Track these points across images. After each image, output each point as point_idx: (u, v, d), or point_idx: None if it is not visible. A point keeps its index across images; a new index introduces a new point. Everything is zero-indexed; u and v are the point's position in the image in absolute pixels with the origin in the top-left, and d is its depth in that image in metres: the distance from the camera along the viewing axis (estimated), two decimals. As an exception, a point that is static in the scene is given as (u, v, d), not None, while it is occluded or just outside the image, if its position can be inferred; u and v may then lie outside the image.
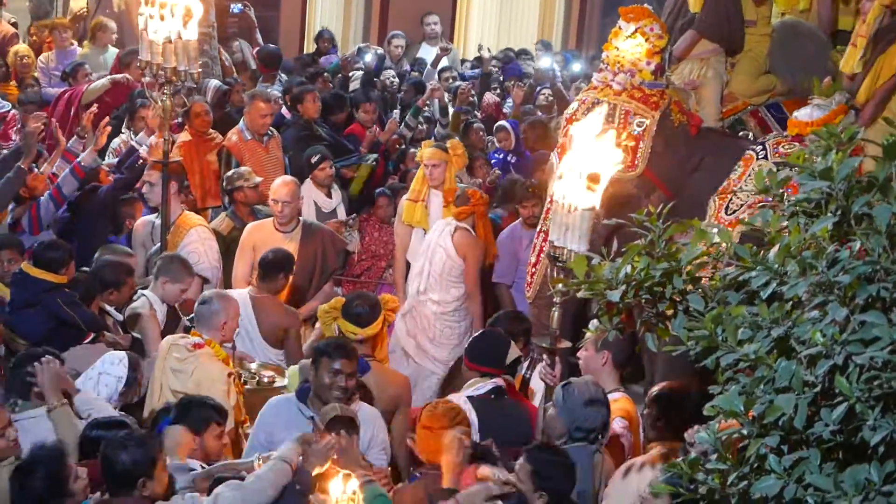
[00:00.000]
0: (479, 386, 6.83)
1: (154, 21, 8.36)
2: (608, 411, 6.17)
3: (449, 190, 9.48)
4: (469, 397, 6.74)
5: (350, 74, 14.44)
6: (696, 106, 8.56)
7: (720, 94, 8.73)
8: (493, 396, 6.77)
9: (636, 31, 8.02)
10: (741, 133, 8.84)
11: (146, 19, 8.41)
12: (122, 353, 6.75)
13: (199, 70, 8.86)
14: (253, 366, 7.92)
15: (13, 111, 11.81)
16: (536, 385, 7.19)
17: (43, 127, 9.79)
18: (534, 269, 8.37)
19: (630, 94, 7.98)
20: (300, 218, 9.28)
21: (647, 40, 8.00)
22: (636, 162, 7.87)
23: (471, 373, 7.05)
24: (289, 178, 9.31)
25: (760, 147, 7.73)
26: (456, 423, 6.08)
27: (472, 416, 6.56)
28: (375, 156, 11.15)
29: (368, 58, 15.06)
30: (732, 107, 8.81)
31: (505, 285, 9.72)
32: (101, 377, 6.53)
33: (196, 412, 6.02)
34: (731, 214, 7.54)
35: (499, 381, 6.83)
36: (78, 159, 9.38)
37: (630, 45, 8.02)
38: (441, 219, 9.38)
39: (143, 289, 7.91)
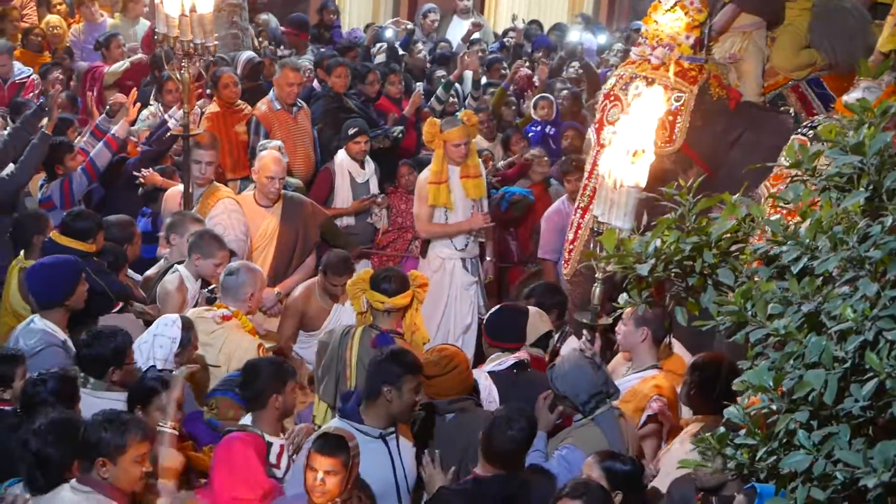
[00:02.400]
0: (501, 361, 6.83)
1: None
2: (599, 368, 6.10)
3: (472, 164, 9.45)
4: (490, 373, 6.75)
5: (376, 46, 14.42)
6: (737, 80, 8.49)
7: (761, 69, 8.66)
8: (514, 371, 6.76)
9: (675, 4, 7.95)
10: (782, 108, 8.76)
11: None
12: (175, 315, 6.75)
13: (216, 43, 8.82)
14: None
15: (33, 77, 11.87)
16: None
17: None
18: (571, 246, 8.34)
19: (668, 68, 7.92)
20: (282, 191, 9.25)
21: (686, 14, 7.92)
22: (674, 137, 7.83)
23: (491, 349, 7.05)
24: (278, 154, 9.27)
25: (811, 130, 7.63)
26: (449, 370, 6.28)
27: (494, 391, 6.60)
28: (401, 128, 11.12)
29: (389, 33, 15.04)
30: (773, 81, 8.74)
31: (551, 261, 9.69)
32: (155, 339, 6.54)
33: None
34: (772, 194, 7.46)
35: (521, 355, 6.82)
36: (112, 131, 9.41)
37: (669, 18, 7.95)
38: (459, 192, 9.37)
39: (178, 263, 7.89)
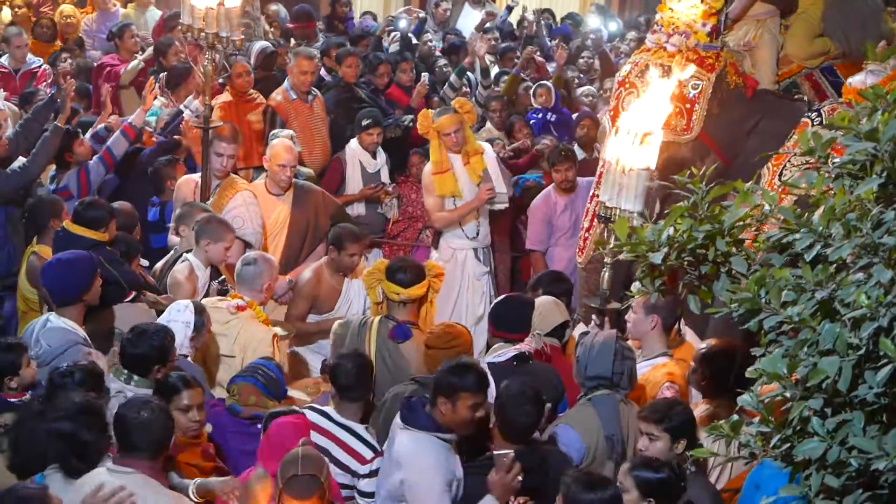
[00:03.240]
0: (502, 353, 6.74)
1: None
2: (624, 362, 6.12)
3: (472, 149, 9.43)
4: (490, 364, 6.64)
5: (390, 35, 14.42)
6: (752, 68, 8.46)
7: (776, 57, 8.63)
8: (514, 363, 6.65)
9: None
10: (795, 96, 8.74)
11: None
12: (187, 300, 6.75)
13: (242, 37, 8.85)
14: None
15: (44, 67, 11.89)
16: None
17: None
18: (587, 235, 8.34)
19: (685, 57, 7.90)
20: (293, 180, 9.25)
21: (703, 2, 7.87)
22: (691, 125, 7.79)
23: (494, 339, 6.96)
24: (290, 142, 9.28)
25: (816, 114, 7.62)
26: (451, 346, 6.35)
27: (490, 384, 6.57)
28: (411, 117, 11.12)
29: (403, 24, 15.01)
30: (787, 70, 8.71)
31: (539, 252, 9.69)
32: (169, 325, 6.49)
33: None
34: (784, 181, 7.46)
35: (522, 347, 6.73)
36: (128, 120, 9.42)
37: (685, 6, 7.90)
38: (465, 177, 9.37)
39: (187, 252, 7.91)
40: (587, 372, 6.05)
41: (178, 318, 6.59)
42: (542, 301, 7.21)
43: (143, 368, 6.08)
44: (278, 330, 7.56)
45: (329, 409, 6.11)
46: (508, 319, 6.91)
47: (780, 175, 7.50)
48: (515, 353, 6.68)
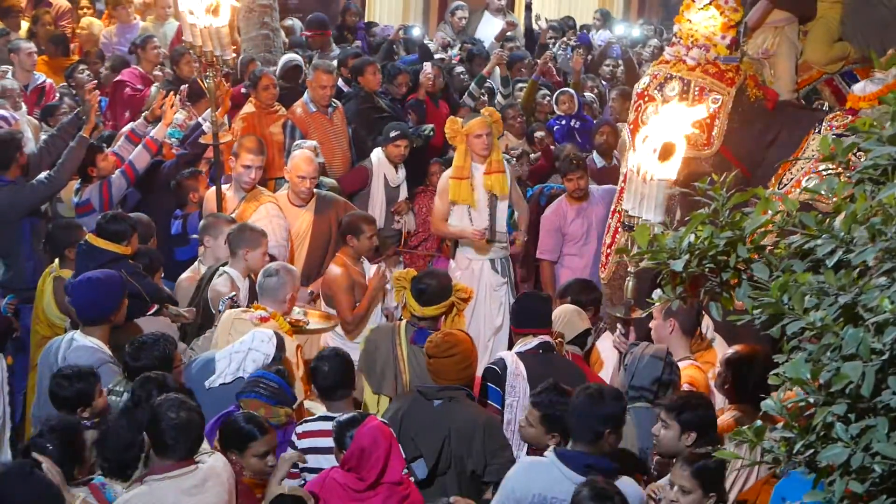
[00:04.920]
0: (528, 342, 6.86)
1: (187, 2, 8.56)
2: (671, 373, 6.14)
3: (495, 160, 9.45)
4: (518, 353, 6.81)
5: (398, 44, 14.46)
6: (771, 77, 8.44)
7: (795, 64, 8.61)
8: (540, 351, 6.79)
9: (710, 3, 7.90)
10: (816, 103, 8.72)
11: (187, 4, 8.58)
12: (271, 332, 6.71)
13: (234, 56, 8.90)
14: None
15: (49, 82, 11.95)
16: (604, 353, 7.21)
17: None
18: (609, 250, 8.35)
19: (704, 70, 7.86)
20: (314, 190, 9.29)
21: (721, 14, 7.86)
22: (712, 139, 7.79)
23: (517, 336, 7.10)
24: (310, 153, 9.32)
25: (817, 122, 7.65)
26: (446, 355, 6.39)
27: (521, 366, 6.68)
28: (432, 126, 11.14)
29: (417, 31, 15.05)
30: (807, 76, 8.70)
31: (548, 262, 9.68)
32: (249, 353, 6.52)
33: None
34: (783, 187, 7.45)
35: (545, 338, 6.84)
36: (150, 133, 9.47)
37: (702, 17, 7.89)
38: (483, 190, 9.39)
39: (223, 265, 7.92)
40: (632, 382, 6.08)
41: (260, 348, 6.58)
42: (564, 309, 7.29)
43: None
44: (313, 321, 7.76)
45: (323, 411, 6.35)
46: (526, 315, 7.00)
47: (781, 183, 7.50)
48: (540, 342, 6.80)
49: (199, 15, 8.51)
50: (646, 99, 8.01)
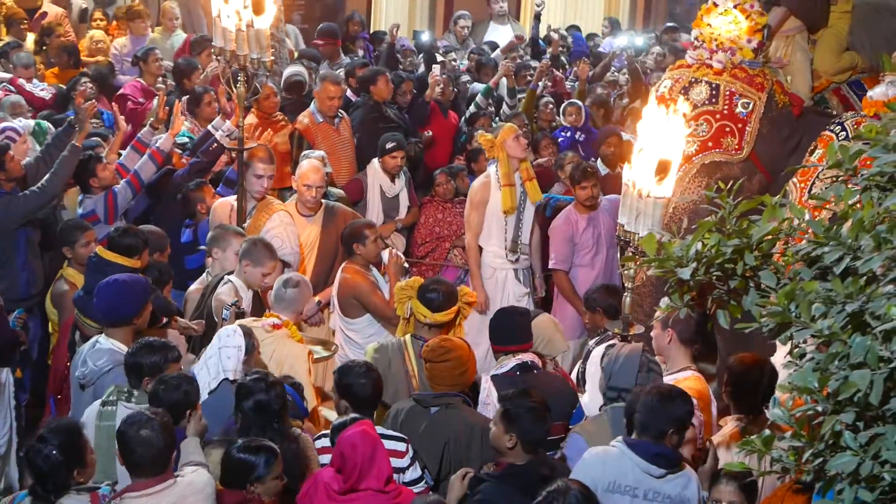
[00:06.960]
0: (504, 364, 6.75)
1: (227, 6, 8.43)
2: (648, 371, 6.08)
3: (527, 167, 9.58)
4: (493, 376, 6.68)
5: (418, 56, 14.45)
6: (789, 85, 8.42)
7: (810, 72, 8.59)
8: (518, 373, 6.63)
9: (735, 6, 7.87)
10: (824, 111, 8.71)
11: (219, 6, 8.48)
12: (234, 325, 6.75)
13: (272, 58, 8.89)
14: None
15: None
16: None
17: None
18: None
19: (733, 74, 7.81)
20: (322, 201, 9.29)
21: (747, 17, 7.80)
22: (743, 145, 7.75)
23: (497, 354, 6.95)
24: (318, 163, 9.33)
25: (840, 127, 7.57)
26: (441, 360, 6.39)
27: (493, 393, 6.56)
28: (430, 133, 11.24)
29: (425, 37, 15.06)
30: (817, 84, 8.67)
31: (562, 271, 9.65)
32: (221, 351, 6.52)
33: None
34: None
35: (524, 357, 6.72)
36: (156, 144, 9.46)
37: (724, 21, 7.84)
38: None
39: (228, 274, 7.91)
40: (609, 383, 6.06)
41: (229, 342, 6.56)
42: (543, 328, 7.12)
43: (137, 381, 6.19)
44: (316, 348, 7.63)
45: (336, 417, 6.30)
46: (502, 332, 6.89)
47: (810, 191, 7.45)
48: (517, 364, 6.67)
49: (237, 16, 8.44)
50: (667, 103, 7.98)
